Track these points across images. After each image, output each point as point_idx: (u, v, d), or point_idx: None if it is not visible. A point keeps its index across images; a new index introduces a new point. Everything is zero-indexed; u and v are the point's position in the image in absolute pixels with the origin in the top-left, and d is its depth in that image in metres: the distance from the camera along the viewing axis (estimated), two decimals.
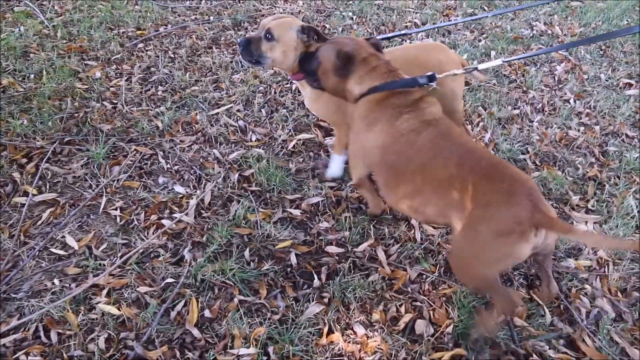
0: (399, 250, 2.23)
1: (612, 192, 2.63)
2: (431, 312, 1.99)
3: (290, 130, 2.88)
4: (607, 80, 3.65)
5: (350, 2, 4.49)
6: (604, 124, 3.18)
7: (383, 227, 2.32)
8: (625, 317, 2.04)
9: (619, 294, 2.13)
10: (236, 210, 2.34)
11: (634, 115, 3.28)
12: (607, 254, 2.28)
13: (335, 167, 2.51)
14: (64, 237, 2.18)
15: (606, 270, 2.22)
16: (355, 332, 1.90)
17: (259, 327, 1.87)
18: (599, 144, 3.00)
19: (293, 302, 1.99)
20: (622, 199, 2.56)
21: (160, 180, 2.52)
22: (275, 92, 3.22)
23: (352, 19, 4.23)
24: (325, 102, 2.24)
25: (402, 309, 2.00)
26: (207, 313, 1.93)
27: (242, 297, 2.00)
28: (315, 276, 2.09)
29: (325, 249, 2.21)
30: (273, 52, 2.12)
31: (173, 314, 1.93)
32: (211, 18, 4.08)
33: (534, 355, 1.84)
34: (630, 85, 3.61)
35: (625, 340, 1.94)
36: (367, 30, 4.04)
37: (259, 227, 2.28)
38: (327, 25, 4.09)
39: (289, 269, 2.13)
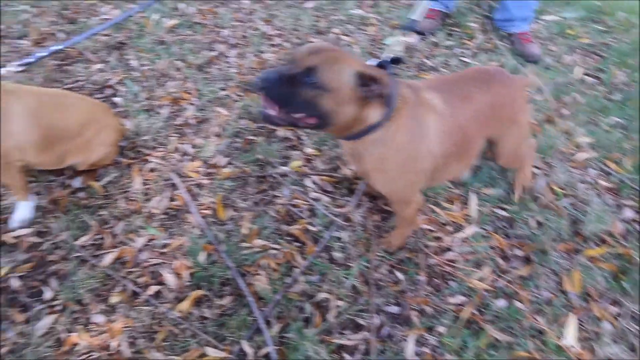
0: (124, 227, 2.25)
1: None
2: (169, 270, 2.09)
3: None
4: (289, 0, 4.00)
5: None
6: (292, 38, 3.53)
7: (103, 212, 2.30)
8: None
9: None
10: None
11: (315, 25, 3.69)
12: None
13: (22, 213, 2.24)
14: None
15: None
16: (96, 324, 1.90)
17: None
18: None
19: (25, 324, 1.89)
20: None
21: None
22: None
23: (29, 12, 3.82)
24: None
25: (142, 280, 2.06)
26: None
27: None
28: (44, 289, 2.00)
29: (47, 258, 2.11)
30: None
31: None
32: None
33: None
34: None
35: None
36: (49, 20, 3.71)
37: None
38: (2, 26, 3.63)
39: (13, 295, 2.00)
